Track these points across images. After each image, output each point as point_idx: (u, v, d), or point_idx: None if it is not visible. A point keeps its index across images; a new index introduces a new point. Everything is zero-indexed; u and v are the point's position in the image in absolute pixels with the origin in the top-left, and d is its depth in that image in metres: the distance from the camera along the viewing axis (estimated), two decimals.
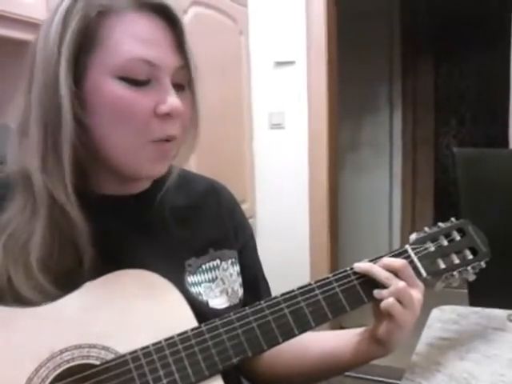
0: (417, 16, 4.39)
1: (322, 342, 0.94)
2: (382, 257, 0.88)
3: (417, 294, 0.84)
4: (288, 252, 3.09)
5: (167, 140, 0.79)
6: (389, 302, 0.81)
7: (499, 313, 1.18)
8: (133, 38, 0.75)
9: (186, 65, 0.79)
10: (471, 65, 4.58)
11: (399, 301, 0.81)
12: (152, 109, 0.76)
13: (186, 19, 2.40)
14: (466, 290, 1.52)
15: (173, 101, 0.77)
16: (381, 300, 0.83)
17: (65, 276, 0.75)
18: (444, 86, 4.65)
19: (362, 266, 0.85)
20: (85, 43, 0.74)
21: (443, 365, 0.96)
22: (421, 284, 0.86)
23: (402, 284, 0.82)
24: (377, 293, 0.83)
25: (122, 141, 0.77)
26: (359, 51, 3.98)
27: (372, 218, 4.35)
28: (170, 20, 0.77)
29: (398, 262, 0.85)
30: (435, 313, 1.22)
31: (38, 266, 0.73)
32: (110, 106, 0.75)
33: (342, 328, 2.05)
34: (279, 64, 3.04)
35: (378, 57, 4.19)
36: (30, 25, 1.60)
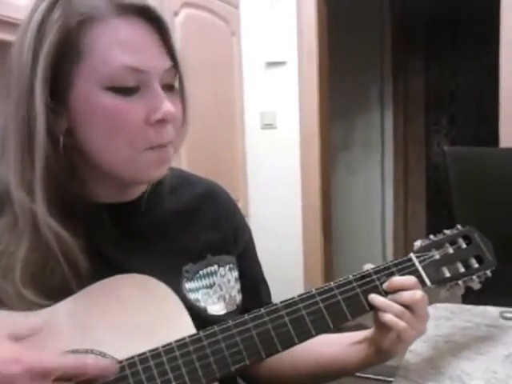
0: (408, 16, 4.40)
1: (323, 347, 0.93)
2: (387, 267, 0.86)
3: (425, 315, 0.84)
4: (281, 252, 3.09)
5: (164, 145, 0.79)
6: (388, 317, 0.81)
7: (492, 310, 1.19)
8: (118, 45, 0.72)
9: (173, 65, 0.78)
10: (462, 64, 4.60)
11: (403, 320, 0.81)
12: (144, 117, 0.74)
13: (178, 21, 2.41)
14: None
15: (166, 106, 0.75)
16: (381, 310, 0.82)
17: (61, 289, 0.74)
18: (435, 86, 4.66)
19: (377, 301, 0.83)
20: (66, 54, 0.72)
21: (437, 362, 0.96)
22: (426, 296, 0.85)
23: (398, 307, 0.82)
24: (371, 299, 0.83)
25: (118, 151, 0.75)
26: (350, 51, 3.99)
27: (365, 216, 4.36)
28: (153, 21, 0.75)
29: (418, 296, 0.83)
30: (428, 310, 1.21)
31: (24, 283, 0.72)
32: (100, 117, 0.73)
33: (338, 329, 2.05)
34: (270, 64, 3.04)
35: (369, 56, 4.19)
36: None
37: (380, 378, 2.59)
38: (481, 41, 4.02)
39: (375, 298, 0.82)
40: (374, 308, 0.83)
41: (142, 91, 0.75)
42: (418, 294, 0.83)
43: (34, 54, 0.72)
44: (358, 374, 2.57)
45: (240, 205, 2.97)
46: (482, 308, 1.21)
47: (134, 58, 0.73)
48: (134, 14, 0.74)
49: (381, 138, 4.34)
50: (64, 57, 0.72)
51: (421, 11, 4.42)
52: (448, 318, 1.17)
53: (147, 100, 0.75)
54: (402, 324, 0.81)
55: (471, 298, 1.32)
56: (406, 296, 0.82)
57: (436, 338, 1.07)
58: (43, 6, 0.73)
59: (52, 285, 0.74)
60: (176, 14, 2.41)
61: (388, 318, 0.81)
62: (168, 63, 0.77)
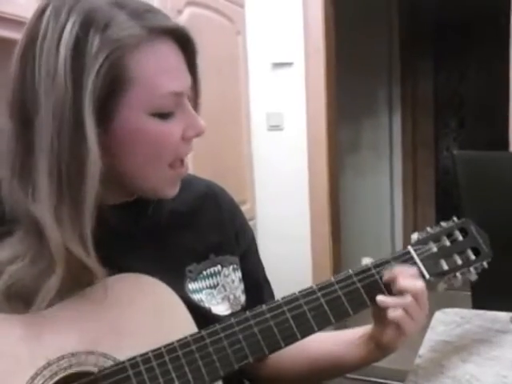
0: (416, 17, 4.39)
1: (325, 344, 0.94)
2: (386, 261, 0.87)
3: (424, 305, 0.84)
4: (289, 254, 3.08)
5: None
6: (398, 314, 0.81)
7: (502, 315, 1.18)
8: (162, 72, 0.74)
9: (194, 81, 0.81)
10: (471, 67, 4.59)
11: (407, 312, 0.81)
12: (181, 135, 0.78)
13: (181, 20, 2.38)
14: (469, 293, 1.52)
15: (201, 123, 0.79)
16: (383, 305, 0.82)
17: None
18: (443, 89, 4.65)
19: (389, 274, 0.84)
20: (113, 84, 0.71)
21: (446, 367, 0.96)
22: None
23: (410, 299, 0.82)
24: (381, 302, 0.82)
25: (152, 170, 0.77)
26: (358, 53, 3.98)
27: (374, 220, 4.34)
28: (182, 39, 0.77)
29: (418, 287, 0.83)
30: (438, 315, 1.21)
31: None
32: (145, 143, 0.75)
33: (345, 326, 2.04)
34: (277, 65, 3.03)
35: (377, 58, 4.18)
36: (21, 24, 1.57)
37: (390, 382, 2.58)
38: (491, 43, 4.00)
39: (381, 299, 0.83)
40: (374, 302, 0.83)
41: (177, 112, 0.77)
42: (419, 282, 0.83)
43: (74, 84, 0.68)
44: (368, 379, 2.56)
45: (247, 207, 2.98)
46: (492, 313, 1.20)
47: (178, 83, 0.76)
48: (166, 35, 0.75)
49: (389, 141, 4.33)
50: (111, 87, 0.71)
51: (430, 13, 4.41)
52: (458, 323, 1.16)
53: (182, 118, 0.77)
54: (403, 316, 0.81)
55: (482, 302, 1.31)
56: (408, 283, 0.83)
57: (446, 343, 1.07)
58: (71, 25, 0.69)
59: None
60: (180, 12, 2.39)
61: (394, 313, 0.81)
62: (191, 80, 0.80)
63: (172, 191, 0.82)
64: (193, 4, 2.51)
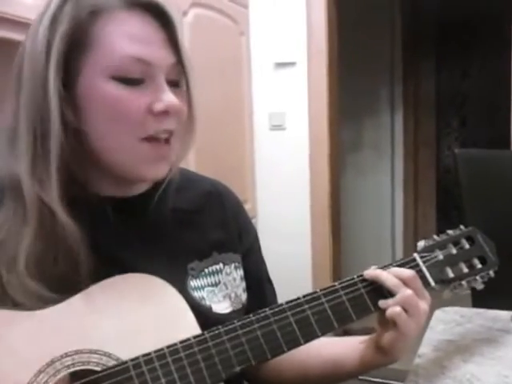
0: (418, 18, 4.39)
1: (328, 349, 0.93)
2: (390, 265, 0.86)
3: (423, 304, 0.82)
4: (289, 253, 3.08)
5: (166, 140, 0.79)
6: (395, 310, 0.80)
7: (503, 314, 1.18)
8: (125, 36, 0.75)
9: (179, 61, 0.79)
10: (473, 66, 4.58)
11: (405, 309, 0.80)
12: (147, 107, 0.76)
13: (186, 21, 2.41)
14: (469, 291, 1.51)
15: (169, 98, 0.77)
16: (386, 309, 0.82)
17: (63, 280, 0.74)
18: (445, 88, 4.65)
19: (372, 272, 0.84)
20: (75, 45, 0.74)
21: (447, 367, 0.96)
22: (428, 295, 0.84)
23: (408, 292, 0.81)
24: (382, 303, 0.82)
25: (117, 141, 0.76)
26: (360, 53, 3.98)
27: (374, 219, 4.34)
28: (162, 18, 0.77)
29: (407, 272, 0.83)
30: (438, 314, 1.21)
31: (28, 273, 0.72)
32: (104, 107, 0.75)
33: (345, 332, 2.04)
34: (280, 65, 3.03)
35: (379, 58, 4.18)
36: (23, 25, 1.58)
37: (390, 382, 2.57)
38: (492, 43, 4.00)
39: (383, 301, 0.82)
40: (378, 308, 0.82)
41: (147, 83, 0.77)
42: (407, 271, 0.83)
43: (47, 45, 0.73)
44: (368, 379, 2.55)
45: (248, 206, 2.98)
46: (492, 312, 1.20)
47: (141, 49, 0.75)
48: (142, 8, 0.76)
49: (391, 141, 4.33)
50: (74, 46, 0.74)
51: (432, 13, 4.41)
52: (458, 322, 1.16)
53: (151, 91, 0.77)
54: (400, 312, 0.80)
55: (482, 301, 1.31)
56: (396, 269, 0.84)
57: (446, 342, 1.06)
58: (56, 1, 0.75)
59: (55, 276, 0.74)
60: (185, 13, 2.41)
61: (391, 309, 0.80)
62: (173, 58, 0.78)
63: (151, 171, 0.80)
64: (198, 5, 2.52)
